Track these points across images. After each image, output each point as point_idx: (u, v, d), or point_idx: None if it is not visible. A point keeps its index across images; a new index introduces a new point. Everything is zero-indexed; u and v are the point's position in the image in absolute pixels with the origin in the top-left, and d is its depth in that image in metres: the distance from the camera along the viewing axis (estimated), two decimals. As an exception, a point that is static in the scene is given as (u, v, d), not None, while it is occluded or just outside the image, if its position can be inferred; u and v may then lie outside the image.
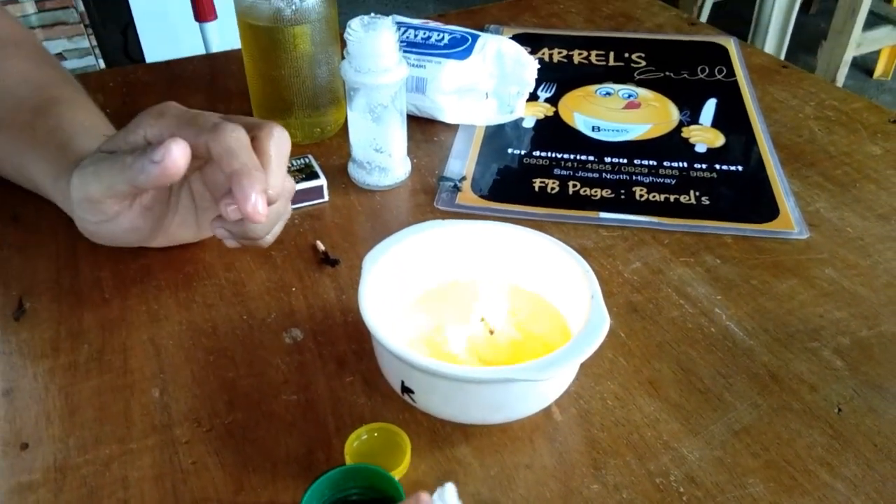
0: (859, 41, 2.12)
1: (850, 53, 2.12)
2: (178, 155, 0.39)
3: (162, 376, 0.43)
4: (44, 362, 0.44)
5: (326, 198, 0.57)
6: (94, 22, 1.75)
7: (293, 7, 0.57)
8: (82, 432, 0.40)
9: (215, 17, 1.69)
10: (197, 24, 1.72)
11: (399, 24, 0.67)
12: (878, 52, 2.40)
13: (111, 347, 0.45)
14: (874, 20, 2.20)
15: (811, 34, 2.45)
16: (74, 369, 0.44)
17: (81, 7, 1.66)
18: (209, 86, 0.73)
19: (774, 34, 2.26)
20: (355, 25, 0.53)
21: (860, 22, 2.06)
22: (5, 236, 0.54)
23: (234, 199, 0.39)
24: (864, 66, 2.45)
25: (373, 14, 0.54)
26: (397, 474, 0.37)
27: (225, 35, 1.73)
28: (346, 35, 0.53)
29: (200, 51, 1.64)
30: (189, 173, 0.46)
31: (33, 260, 0.52)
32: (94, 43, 1.73)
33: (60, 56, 1.67)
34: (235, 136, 0.40)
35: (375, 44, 0.52)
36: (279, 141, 0.42)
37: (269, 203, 0.41)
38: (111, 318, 0.47)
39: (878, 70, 2.45)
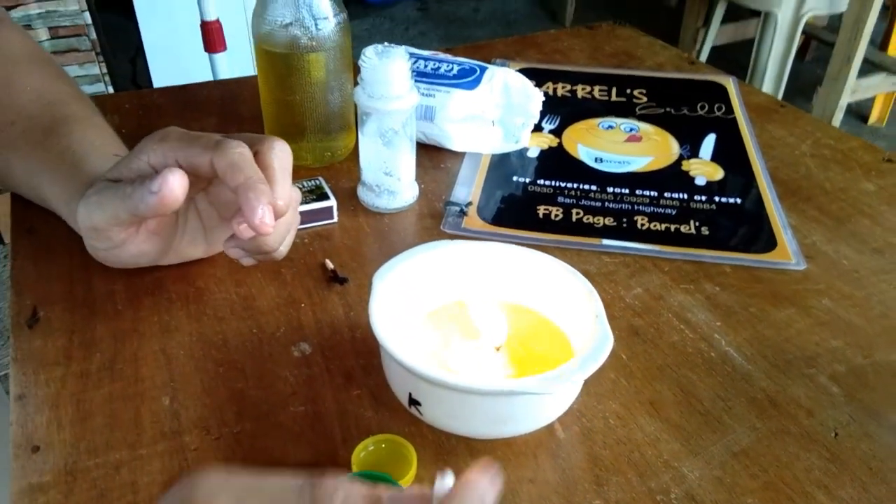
0: (854, 88, 2.17)
1: (846, 100, 2.17)
2: (174, 185, 0.41)
3: (172, 385, 0.44)
4: (56, 370, 0.45)
5: (336, 219, 0.59)
6: (105, 50, 1.79)
7: (310, 35, 0.59)
8: (93, 437, 0.41)
9: (225, 48, 1.72)
10: (206, 54, 1.75)
11: (410, 55, 0.69)
12: (872, 99, 2.45)
13: (123, 357, 0.46)
14: (868, 68, 2.25)
15: (807, 80, 2.51)
16: (86, 377, 0.45)
17: (94, 35, 1.70)
18: (222, 110, 0.75)
19: (771, 80, 2.31)
20: (370, 53, 0.55)
21: (855, 69, 2.10)
22: (21, 248, 0.55)
23: (242, 213, 0.41)
24: (858, 112, 2.50)
25: (386, 43, 0.56)
26: (403, 485, 0.38)
27: (234, 66, 1.76)
28: (360, 62, 0.55)
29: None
30: (193, 194, 0.48)
31: (48, 272, 0.53)
32: (105, 70, 1.76)
33: (71, 81, 1.70)
34: (239, 151, 0.42)
35: (388, 71, 0.54)
36: (280, 153, 0.44)
37: (278, 214, 0.42)
38: (123, 328, 0.48)
39: (873, 117, 2.50)
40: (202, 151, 0.42)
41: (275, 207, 0.42)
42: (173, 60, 2.06)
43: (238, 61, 1.90)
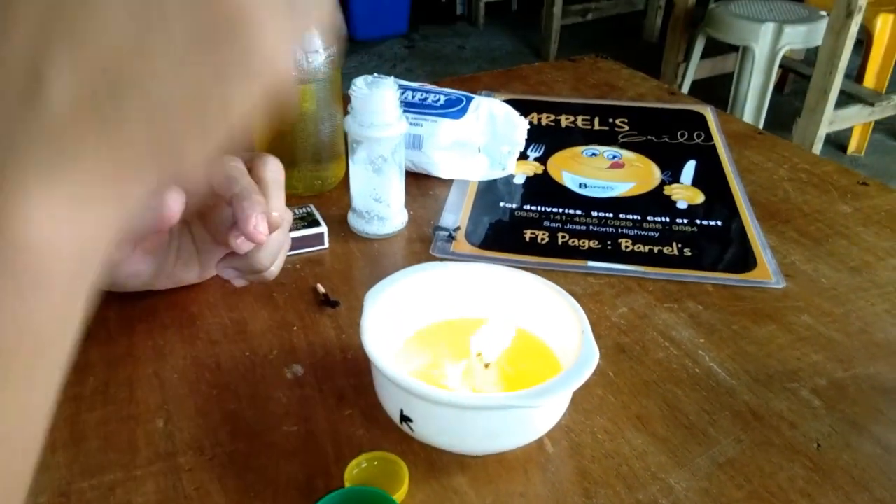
0: (832, 119, 2.22)
1: (824, 130, 2.22)
2: (172, 202, 0.42)
3: (166, 408, 0.45)
4: (50, 394, 0.45)
5: (326, 245, 0.60)
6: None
7: (301, 68, 0.61)
8: (87, 459, 0.41)
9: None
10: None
11: (398, 86, 0.71)
12: (850, 130, 2.51)
13: (116, 380, 0.47)
14: (845, 99, 2.31)
15: (786, 112, 2.56)
16: (80, 400, 0.45)
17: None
18: (214, 142, 0.77)
19: (751, 112, 2.37)
20: (360, 83, 0.57)
21: (832, 101, 2.16)
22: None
23: (237, 221, 0.42)
24: (837, 142, 2.55)
25: (376, 74, 0.58)
26: (396, 501, 0.38)
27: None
28: (350, 91, 0.57)
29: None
30: (189, 217, 0.49)
31: (42, 298, 0.53)
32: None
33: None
34: (233, 164, 0.44)
35: (378, 100, 0.56)
36: (273, 167, 0.46)
37: (273, 226, 0.44)
38: (117, 353, 0.49)
39: (852, 146, 2.56)
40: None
41: (269, 218, 0.43)
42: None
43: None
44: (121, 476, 0.40)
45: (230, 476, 0.40)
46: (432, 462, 0.42)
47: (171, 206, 0.42)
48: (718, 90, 2.56)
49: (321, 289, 0.55)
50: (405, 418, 0.40)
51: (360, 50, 3.19)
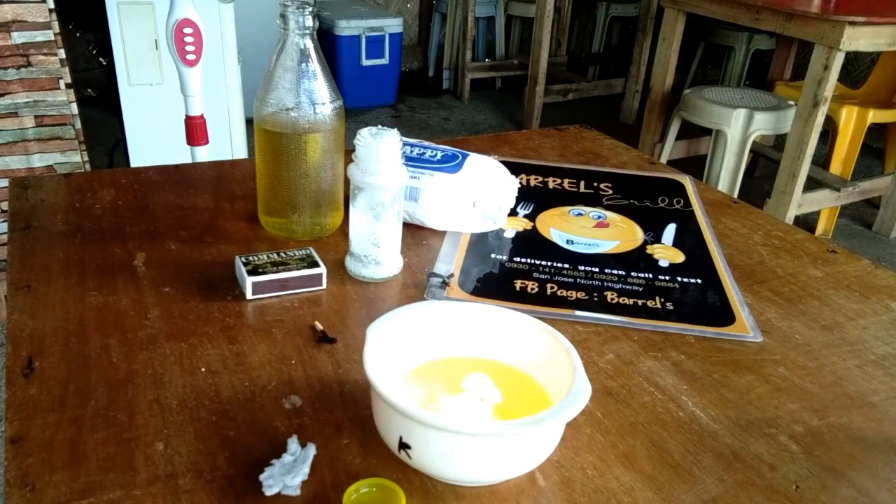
0: (800, 202, 2.32)
1: (793, 212, 2.31)
2: None
3: (166, 432, 0.45)
4: (51, 415, 0.46)
5: (324, 286, 0.62)
6: (87, 140, 1.84)
7: (308, 118, 0.64)
8: (87, 478, 0.42)
9: (207, 142, 1.78)
10: (187, 147, 1.80)
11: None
12: (817, 213, 2.61)
13: (117, 405, 0.47)
14: (813, 184, 2.41)
15: (756, 194, 2.66)
16: (81, 422, 0.46)
17: (79, 124, 1.75)
18: (216, 188, 0.79)
19: (723, 191, 2.46)
20: (364, 133, 0.60)
21: (800, 184, 2.26)
22: (17, 304, 0.56)
23: None
24: (805, 224, 2.65)
25: (380, 126, 0.62)
26: (392, 524, 0.39)
27: (213, 158, 1.82)
28: (355, 141, 0.60)
29: (189, 171, 1.72)
30: None
31: (44, 326, 0.54)
32: (86, 158, 1.80)
33: (50, 168, 1.73)
34: None
35: (381, 150, 0.59)
36: None
37: None
38: (118, 379, 0.50)
39: (819, 229, 2.65)
40: None
41: None
42: (154, 153, 2.11)
43: (218, 154, 1.97)
44: (120, 495, 0.41)
45: (229, 499, 0.41)
46: (427, 491, 0.43)
47: None
48: (692, 170, 2.65)
49: (319, 326, 0.56)
50: (404, 445, 0.42)
51: (347, 117, 3.27)
